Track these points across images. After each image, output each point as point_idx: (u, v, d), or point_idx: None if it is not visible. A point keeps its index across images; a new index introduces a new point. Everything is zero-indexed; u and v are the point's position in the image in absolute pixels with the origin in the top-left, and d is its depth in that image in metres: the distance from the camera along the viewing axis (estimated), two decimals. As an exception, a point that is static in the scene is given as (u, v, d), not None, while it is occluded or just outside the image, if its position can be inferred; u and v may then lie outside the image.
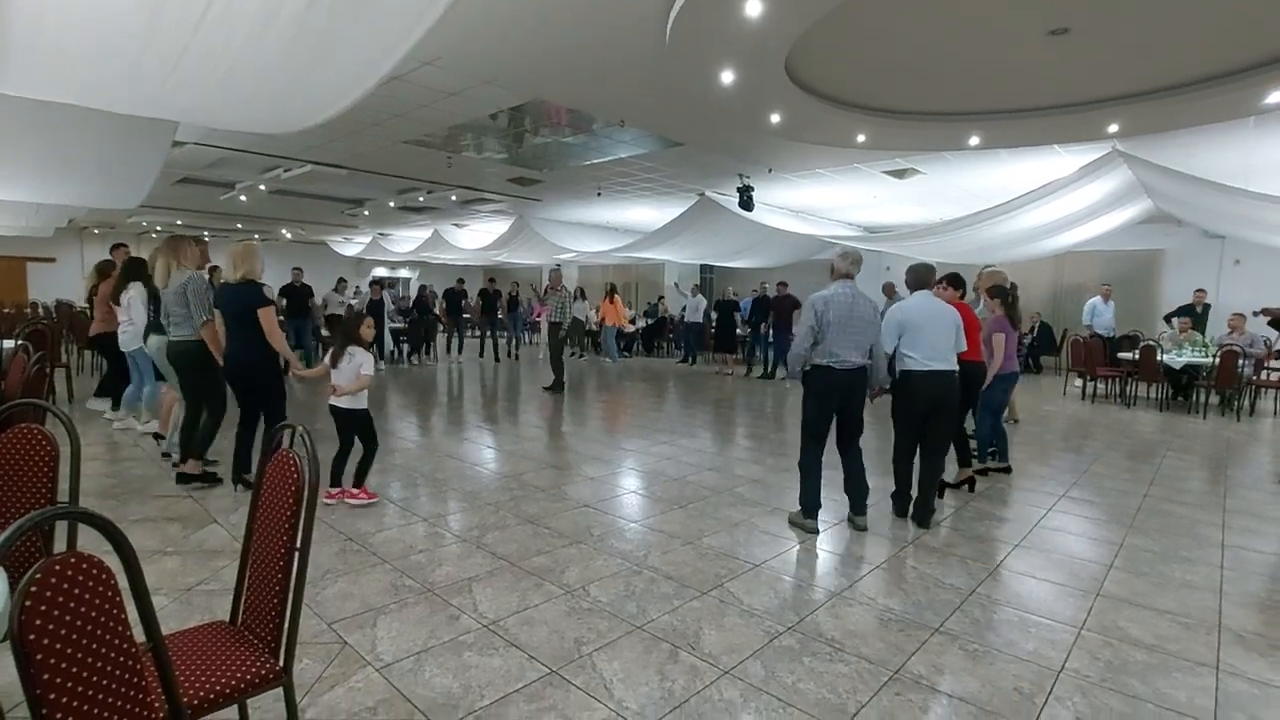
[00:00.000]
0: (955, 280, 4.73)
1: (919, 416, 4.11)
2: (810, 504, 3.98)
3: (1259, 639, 2.77)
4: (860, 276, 4.08)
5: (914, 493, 4.20)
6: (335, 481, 4.28)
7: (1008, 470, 5.36)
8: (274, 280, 13.33)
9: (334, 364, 4.20)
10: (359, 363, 4.21)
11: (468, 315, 14.26)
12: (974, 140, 6.99)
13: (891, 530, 4.06)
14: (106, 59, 2.63)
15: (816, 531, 3.96)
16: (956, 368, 4.14)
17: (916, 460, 4.20)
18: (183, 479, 4.49)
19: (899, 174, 9.09)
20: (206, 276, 4.64)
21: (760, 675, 2.42)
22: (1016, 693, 2.35)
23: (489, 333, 13.88)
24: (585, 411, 8.20)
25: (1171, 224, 10.77)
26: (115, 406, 6.58)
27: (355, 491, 4.25)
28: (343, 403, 4.21)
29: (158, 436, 5.48)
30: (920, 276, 4.26)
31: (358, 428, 4.27)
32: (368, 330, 4.31)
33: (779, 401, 9.24)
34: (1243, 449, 6.70)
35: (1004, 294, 5.22)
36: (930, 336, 4.04)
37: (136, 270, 5.61)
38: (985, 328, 5.02)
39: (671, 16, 4.38)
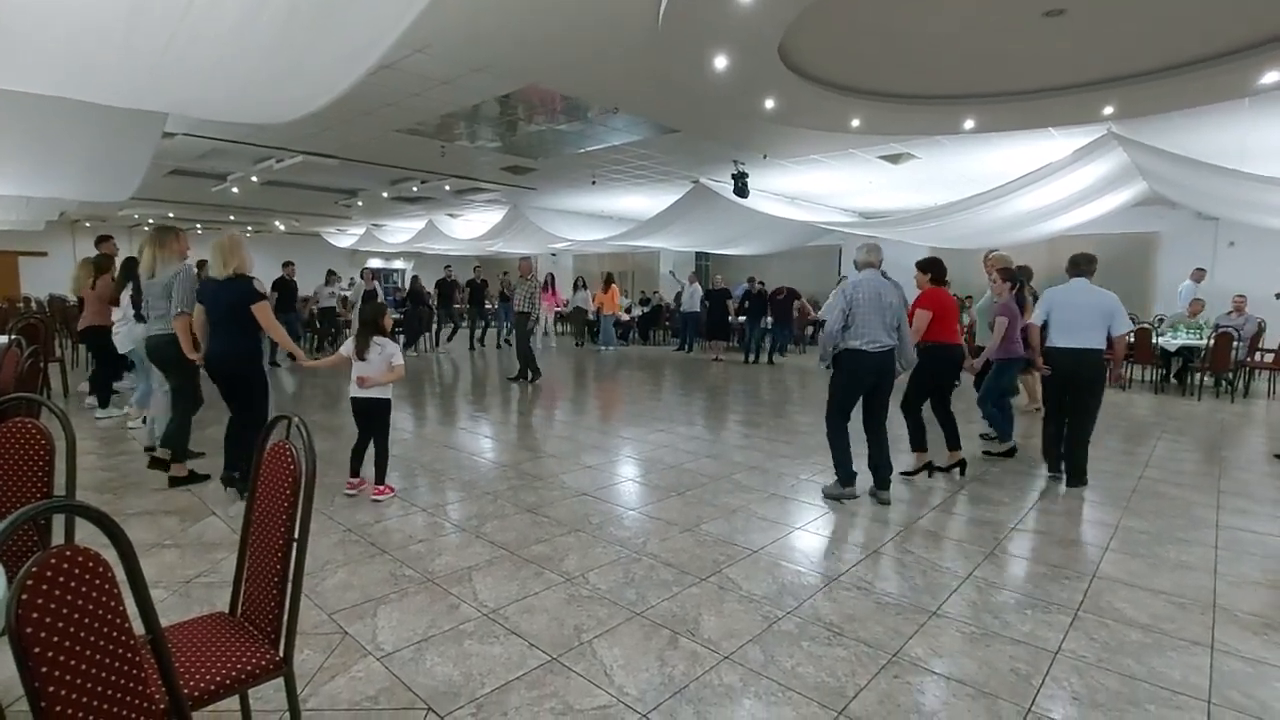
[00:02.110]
0: (925, 265, 4.84)
1: (1059, 387, 4.70)
2: (846, 475, 4.26)
3: (1253, 618, 2.80)
4: (857, 261, 4.36)
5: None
6: (355, 471, 4.28)
7: (1012, 452, 5.37)
8: (264, 274, 13.32)
9: (361, 356, 4.12)
10: (389, 353, 4.16)
11: (459, 305, 14.35)
12: (969, 124, 6.96)
13: (890, 514, 4.08)
14: (91, 50, 2.59)
15: (855, 497, 4.25)
16: (1100, 347, 4.54)
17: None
18: (174, 483, 4.41)
19: (894, 159, 9.05)
20: (195, 270, 4.54)
21: (759, 660, 2.44)
22: (1013, 674, 2.37)
23: (477, 322, 14.01)
24: (582, 400, 8.20)
25: (1166, 206, 10.76)
26: (103, 405, 6.55)
27: (380, 488, 4.20)
28: (370, 393, 4.15)
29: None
30: (1079, 266, 4.70)
31: (379, 417, 4.21)
32: (388, 320, 4.29)
33: (775, 388, 9.25)
34: (1237, 431, 6.74)
35: (1013, 277, 5.19)
36: (1072, 318, 4.54)
37: (133, 269, 5.56)
38: (993, 310, 5.08)
39: (664, 1, 4.33)
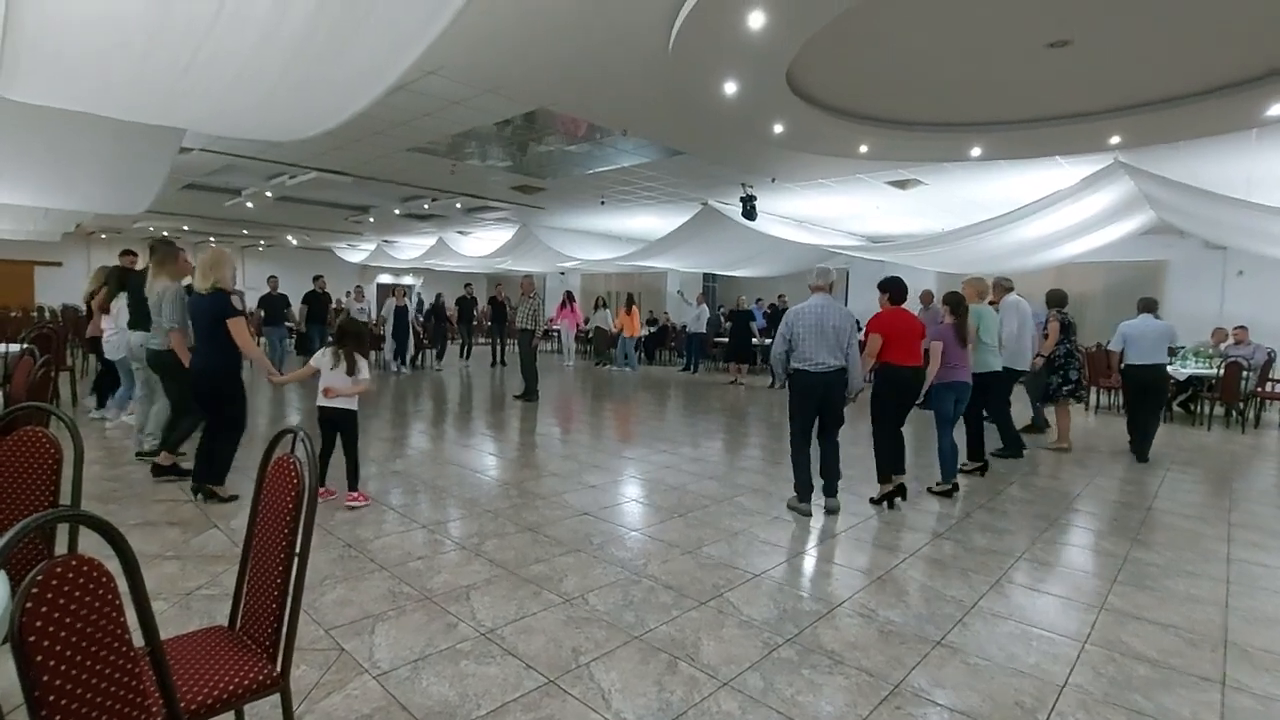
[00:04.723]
0: (883, 285, 4.84)
1: (1137, 394, 6.55)
2: (804, 489, 4.47)
3: (1265, 654, 2.75)
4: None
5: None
6: (321, 480, 4.33)
7: (955, 489, 5.03)
8: (292, 286, 13.48)
9: (350, 371, 4.27)
10: (358, 367, 4.34)
11: (477, 322, 14.52)
12: (976, 151, 7.01)
13: (893, 540, 4.04)
14: (112, 66, 2.65)
15: (810, 514, 4.41)
16: (1164, 362, 6.49)
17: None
18: (157, 471, 4.64)
19: (901, 184, 9.11)
20: (182, 287, 4.67)
21: (759, 687, 2.41)
22: (1018, 707, 2.33)
23: (498, 339, 14.14)
24: (587, 419, 8.19)
25: (1174, 235, 10.76)
26: (100, 404, 6.86)
27: (354, 495, 4.32)
28: (337, 403, 4.29)
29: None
30: (1146, 304, 6.59)
31: (346, 427, 4.35)
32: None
33: (782, 411, 9.21)
34: (1248, 461, 6.67)
35: (956, 301, 5.09)
36: (1142, 344, 6.39)
37: (125, 280, 5.76)
38: (928, 336, 4.93)
39: (675, 28, 4.41)
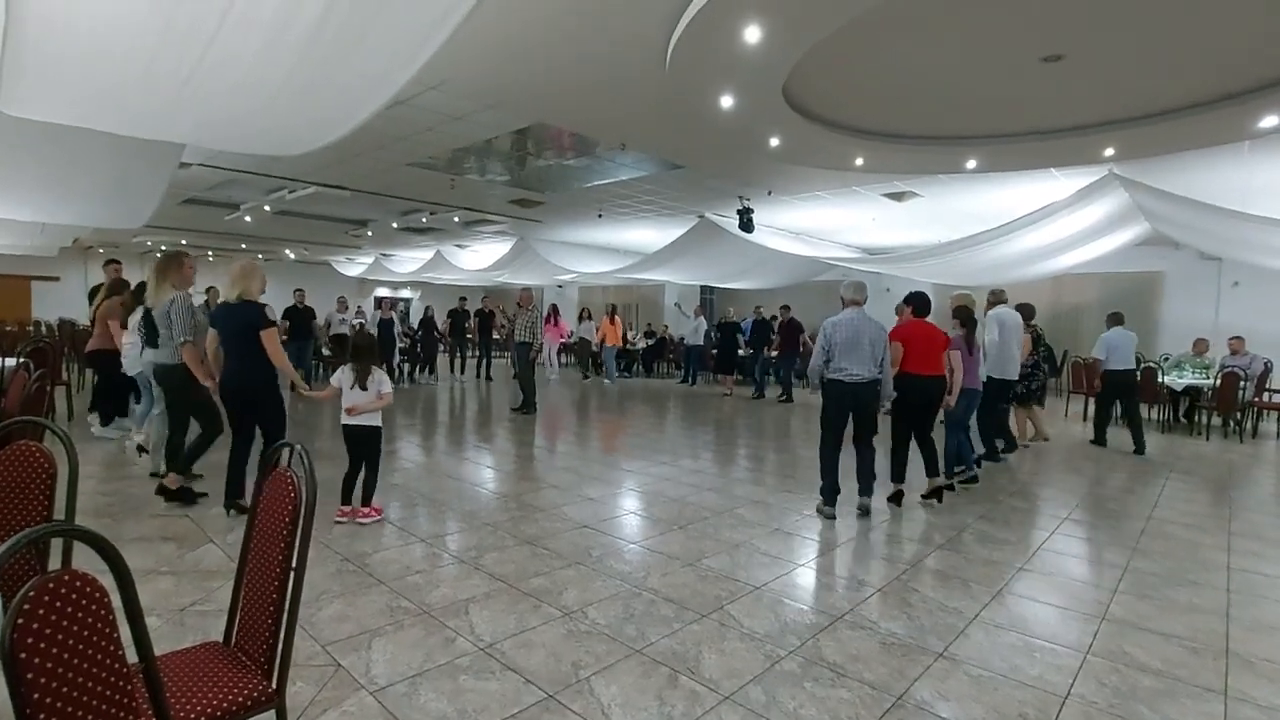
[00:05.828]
0: (908, 299, 5.22)
1: (1119, 394, 7.60)
2: (829, 493, 4.66)
3: (1267, 663, 2.74)
4: (843, 298, 4.75)
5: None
6: (346, 499, 4.29)
7: (974, 480, 5.60)
8: (277, 301, 13.41)
9: (363, 385, 4.24)
10: (378, 381, 4.30)
11: (470, 336, 14.42)
12: (971, 164, 7.06)
13: (894, 552, 4.02)
14: (114, 75, 2.65)
15: (834, 517, 4.58)
16: (1133, 367, 7.53)
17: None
18: (163, 493, 4.49)
19: (897, 196, 9.16)
20: (190, 297, 4.59)
21: (761, 701, 2.38)
22: (1022, 719, 2.31)
23: (485, 354, 14.01)
24: (585, 432, 8.18)
25: (1169, 246, 10.82)
26: (104, 422, 6.69)
27: (366, 510, 4.27)
28: (362, 421, 4.26)
29: (140, 449, 5.75)
30: (1117, 318, 7.65)
31: (370, 445, 4.31)
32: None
33: (779, 422, 9.21)
34: (1246, 471, 6.66)
35: (965, 316, 5.55)
36: (1123, 351, 7.44)
37: (143, 295, 5.70)
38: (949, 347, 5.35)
39: (672, 43, 4.46)
